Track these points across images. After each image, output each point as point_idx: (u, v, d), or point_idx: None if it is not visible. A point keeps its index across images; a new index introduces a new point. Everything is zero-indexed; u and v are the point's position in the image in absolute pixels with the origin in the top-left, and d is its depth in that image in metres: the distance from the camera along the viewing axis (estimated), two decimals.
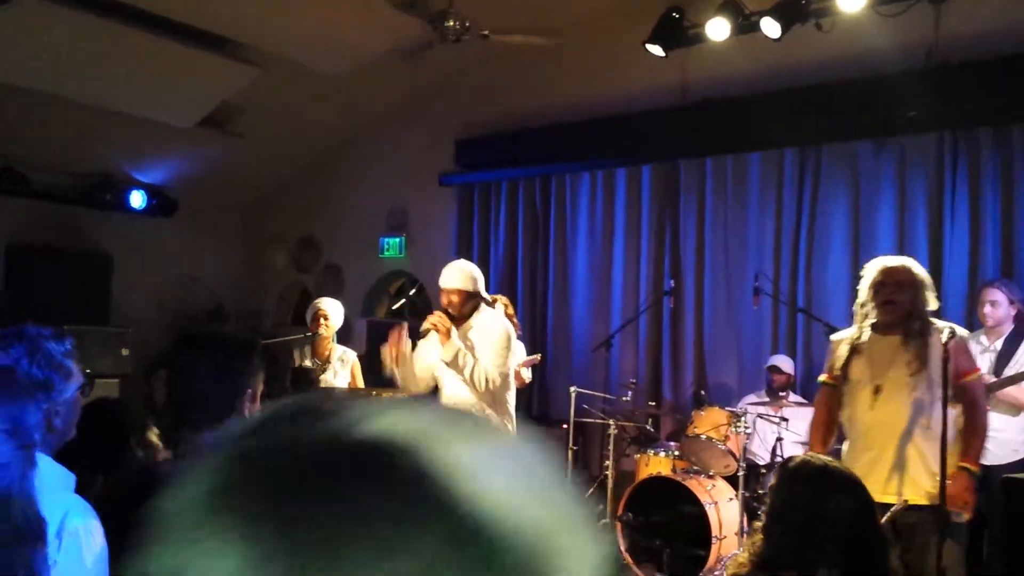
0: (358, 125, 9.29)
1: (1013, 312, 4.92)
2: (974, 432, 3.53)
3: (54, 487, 1.46)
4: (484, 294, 4.63)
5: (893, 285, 3.67)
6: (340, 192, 9.49)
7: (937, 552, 3.34)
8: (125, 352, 7.93)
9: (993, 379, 4.76)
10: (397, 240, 9.05)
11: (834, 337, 3.99)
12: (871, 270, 3.78)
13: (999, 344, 4.88)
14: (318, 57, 7.46)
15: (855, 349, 3.76)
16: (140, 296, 9.03)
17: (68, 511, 1.49)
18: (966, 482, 3.46)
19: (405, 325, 4.57)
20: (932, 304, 3.70)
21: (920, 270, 3.74)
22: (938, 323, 3.68)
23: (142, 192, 8.96)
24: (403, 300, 6.64)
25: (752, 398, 6.29)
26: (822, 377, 3.98)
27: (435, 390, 4.57)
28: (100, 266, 8.80)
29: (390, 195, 9.10)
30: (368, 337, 8.07)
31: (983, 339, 4.96)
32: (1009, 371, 4.76)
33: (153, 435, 2.58)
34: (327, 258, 9.71)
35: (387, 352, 4.46)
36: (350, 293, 9.30)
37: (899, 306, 3.66)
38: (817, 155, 6.65)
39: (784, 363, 6.28)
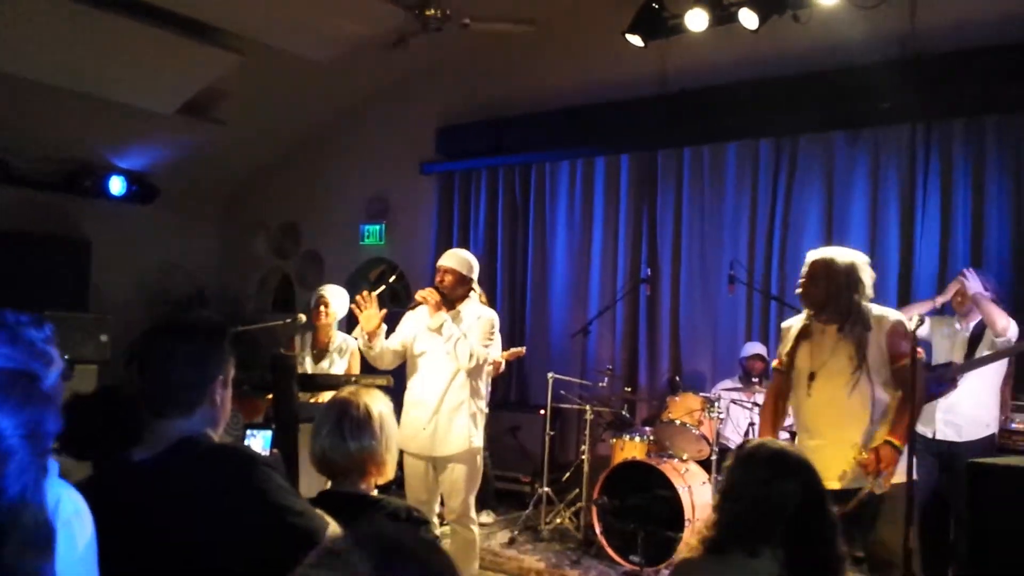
0: (339, 113, 9.30)
1: None
2: (905, 411, 3.56)
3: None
4: (475, 285, 4.67)
5: (807, 277, 3.77)
6: (321, 179, 9.50)
7: (905, 534, 3.42)
8: (104, 339, 7.88)
9: (961, 361, 4.94)
10: (377, 227, 9.08)
11: (784, 324, 4.07)
12: None
13: (971, 327, 5.02)
14: (300, 44, 7.46)
15: (801, 336, 3.84)
16: (120, 282, 9.01)
17: (60, 498, 1.50)
18: (886, 453, 3.51)
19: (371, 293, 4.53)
20: (863, 292, 3.70)
21: (843, 262, 3.72)
22: (876, 310, 3.73)
23: (122, 178, 8.95)
24: (383, 287, 6.67)
25: (727, 383, 6.39)
26: (774, 363, 4.07)
27: (402, 368, 4.63)
28: (79, 252, 8.78)
29: (371, 182, 9.12)
30: (347, 325, 8.08)
31: (956, 324, 5.09)
32: (979, 353, 4.92)
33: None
34: (307, 245, 9.73)
35: (362, 309, 4.44)
36: (330, 280, 9.22)
37: (809, 297, 3.77)
38: (792, 145, 6.74)
39: (763, 351, 6.38)
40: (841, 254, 3.80)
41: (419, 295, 4.48)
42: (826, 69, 6.32)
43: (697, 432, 5.76)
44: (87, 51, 7.00)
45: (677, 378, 6.79)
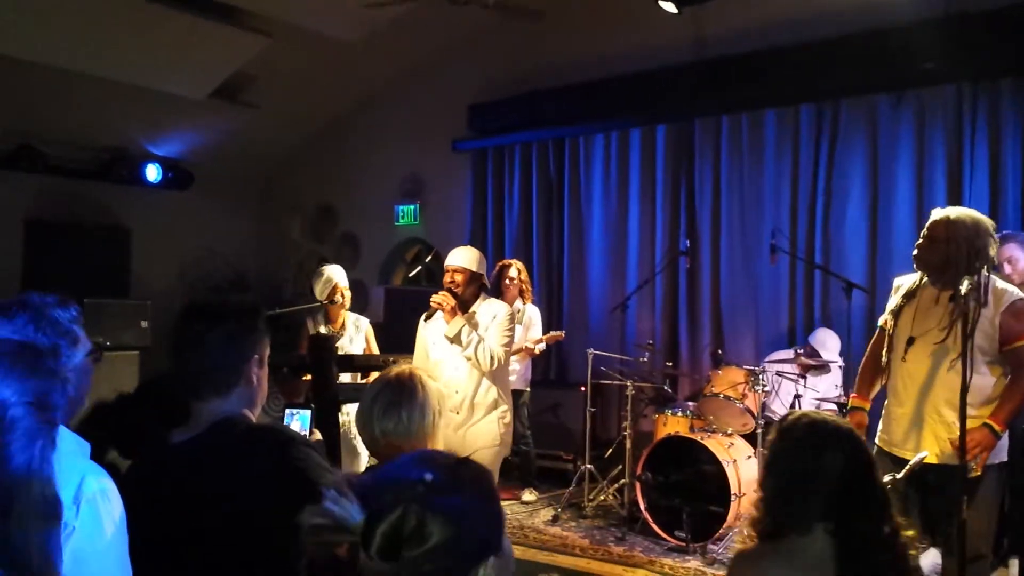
0: (370, 93, 9.25)
1: None
2: (1011, 396, 3.34)
3: (69, 454, 1.46)
4: (485, 280, 4.53)
5: (926, 239, 3.49)
6: (354, 160, 9.48)
7: (958, 511, 3.28)
8: (145, 325, 7.99)
9: None
10: (412, 207, 9.04)
11: (896, 281, 3.79)
12: None
13: None
14: (328, 24, 7.41)
15: (909, 296, 3.60)
16: (159, 269, 9.10)
17: (84, 476, 1.49)
18: (983, 437, 3.27)
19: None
20: (984, 260, 3.38)
21: (969, 225, 3.39)
22: (998, 284, 3.46)
23: (157, 166, 8.99)
24: (419, 267, 6.65)
25: (778, 355, 6.22)
26: (880, 321, 3.79)
27: None
28: (119, 240, 8.87)
29: (404, 162, 9.08)
30: (386, 305, 8.08)
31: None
32: None
33: None
34: (343, 227, 9.72)
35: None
36: (366, 261, 9.31)
37: (924, 261, 3.50)
38: (834, 110, 6.56)
39: (838, 346, 6.00)
40: (967, 215, 3.46)
41: (433, 301, 4.30)
42: (867, 30, 6.14)
43: (741, 405, 5.66)
44: (119, 38, 7.01)
45: (720, 351, 6.68)
